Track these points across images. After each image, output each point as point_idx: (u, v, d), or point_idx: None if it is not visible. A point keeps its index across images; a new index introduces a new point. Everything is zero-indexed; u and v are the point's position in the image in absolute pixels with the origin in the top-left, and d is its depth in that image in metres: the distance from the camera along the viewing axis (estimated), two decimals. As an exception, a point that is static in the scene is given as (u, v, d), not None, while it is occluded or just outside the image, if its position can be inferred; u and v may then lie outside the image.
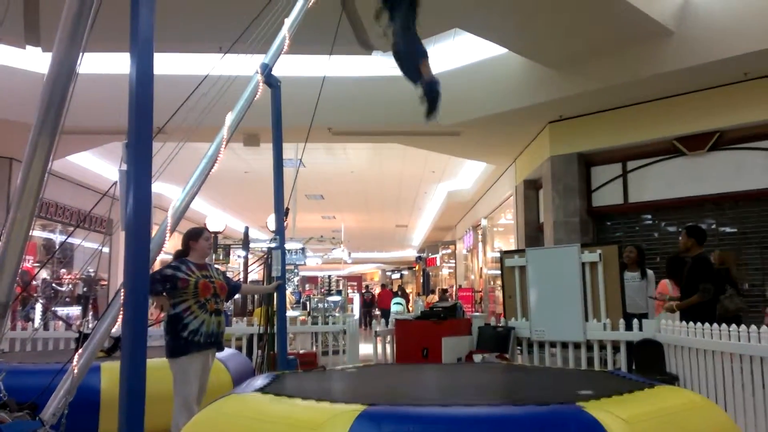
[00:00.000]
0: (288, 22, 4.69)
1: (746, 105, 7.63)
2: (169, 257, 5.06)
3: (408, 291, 35.10)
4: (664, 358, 5.85)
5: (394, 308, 20.64)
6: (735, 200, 8.11)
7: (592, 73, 8.05)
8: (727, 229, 8.31)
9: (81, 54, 2.77)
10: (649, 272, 7.19)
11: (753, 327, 4.65)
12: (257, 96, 4.41)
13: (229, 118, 4.05)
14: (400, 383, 3.87)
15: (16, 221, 2.90)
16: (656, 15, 6.91)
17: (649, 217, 9.14)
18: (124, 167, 2.45)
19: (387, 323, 7.86)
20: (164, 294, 4.46)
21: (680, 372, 5.57)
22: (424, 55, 4.39)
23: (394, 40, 4.33)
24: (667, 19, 7.08)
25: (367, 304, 26.91)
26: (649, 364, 5.86)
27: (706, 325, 5.15)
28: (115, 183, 2.62)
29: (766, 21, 6.67)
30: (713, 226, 8.31)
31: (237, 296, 5.32)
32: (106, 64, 8.23)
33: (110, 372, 4.74)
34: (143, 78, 2.46)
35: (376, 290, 32.49)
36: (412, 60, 4.34)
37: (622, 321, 6.38)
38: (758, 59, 6.96)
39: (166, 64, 8.31)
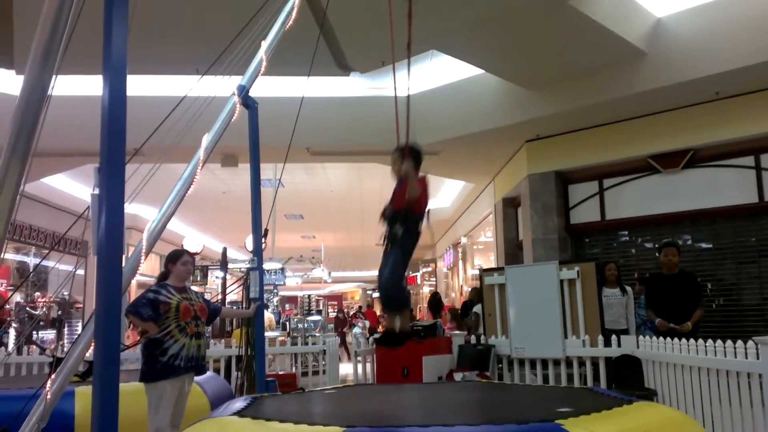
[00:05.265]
0: (265, 44, 4.70)
1: (718, 123, 7.78)
2: (145, 278, 5.02)
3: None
4: (642, 374, 5.88)
5: (356, 329, 20.36)
6: (710, 216, 8.23)
7: (567, 94, 8.16)
8: (703, 245, 8.42)
9: (54, 77, 2.75)
10: (628, 288, 7.26)
11: (729, 342, 4.70)
12: (234, 118, 4.39)
13: (206, 139, 4.03)
14: (379, 404, 3.83)
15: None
16: (630, 37, 7.05)
17: (626, 233, 9.23)
18: (97, 191, 2.43)
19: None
20: (152, 320, 4.39)
21: (659, 387, 5.60)
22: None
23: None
24: (640, 40, 7.23)
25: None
26: (628, 380, 5.88)
27: (683, 340, 5.20)
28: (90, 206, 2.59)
29: (734, 42, 6.84)
30: (689, 242, 8.42)
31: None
32: (81, 85, 8.14)
33: (84, 397, 4.64)
34: (116, 103, 2.44)
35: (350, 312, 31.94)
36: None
37: (600, 337, 6.41)
38: (728, 79, 7.12)
39: (141, 84, 8.25)
